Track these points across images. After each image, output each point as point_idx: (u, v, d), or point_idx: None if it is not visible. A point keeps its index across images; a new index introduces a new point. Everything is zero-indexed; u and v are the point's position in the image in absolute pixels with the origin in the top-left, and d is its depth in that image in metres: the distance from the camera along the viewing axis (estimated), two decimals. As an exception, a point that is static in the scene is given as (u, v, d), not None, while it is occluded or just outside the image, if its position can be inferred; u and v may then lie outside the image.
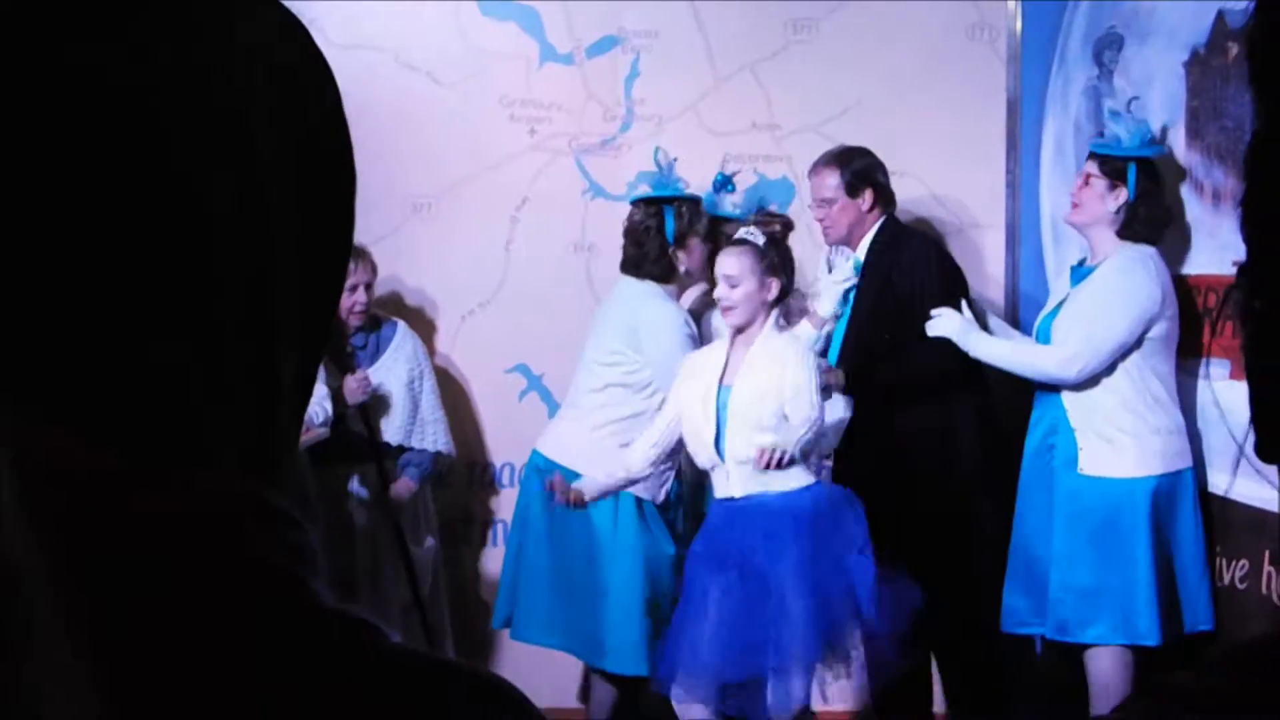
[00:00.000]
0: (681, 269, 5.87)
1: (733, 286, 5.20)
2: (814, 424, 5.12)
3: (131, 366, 0.80)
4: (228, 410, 0.84)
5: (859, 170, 5.93)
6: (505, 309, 6.68)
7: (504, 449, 6.74)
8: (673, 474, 5.79)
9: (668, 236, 5.83)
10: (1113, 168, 5.41)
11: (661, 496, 5.77)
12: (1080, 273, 5.54)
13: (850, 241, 5.92)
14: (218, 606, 0.78)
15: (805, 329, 5.53)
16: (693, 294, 6.03)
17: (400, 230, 6.62)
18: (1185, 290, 5.40)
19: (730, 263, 5.24)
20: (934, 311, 5.50)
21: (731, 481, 5.17)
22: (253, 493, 0.84)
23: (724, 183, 6.05)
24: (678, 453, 5.48)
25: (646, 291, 5.82)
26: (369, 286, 6.10)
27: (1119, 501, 5.31)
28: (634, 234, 5.88)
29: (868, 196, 5.91)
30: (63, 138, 0.79)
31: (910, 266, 5.77)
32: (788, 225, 5.50)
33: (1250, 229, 0.85)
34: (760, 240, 5.26)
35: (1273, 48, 0.83)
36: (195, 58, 0.83)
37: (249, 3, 0.89)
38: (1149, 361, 5.33)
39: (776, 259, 5.26)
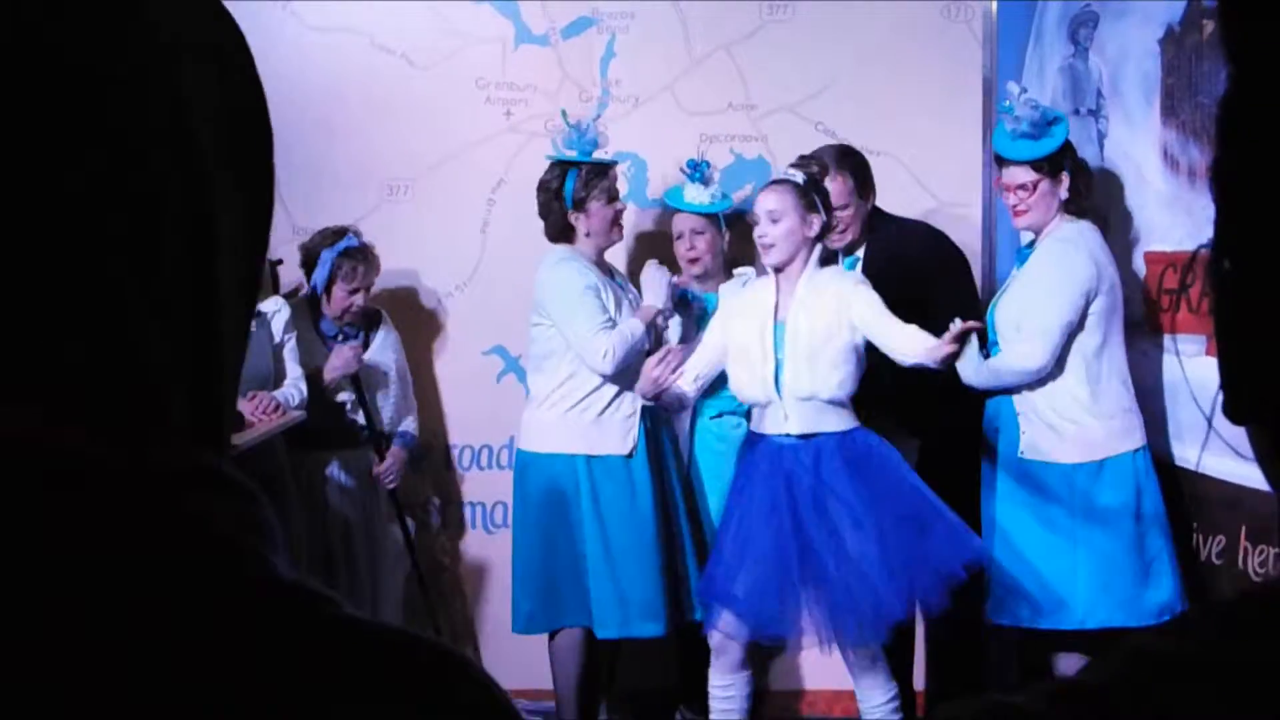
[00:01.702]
0: (582, 231, 5.92)
1: (774, 222, 5.28)
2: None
3: (79, 334, 0.80)
4: (176, 375, 0.84)
5: (863, 171, 5.93)
6: (482, 291, 6.67)
7: (481, 431, 6.73)
8: (639, 422, 5.87)
9: (566, 199, 5.89)
10: (1057, 163, 5.40)
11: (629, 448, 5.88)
12: (1024, 254, 5.56)
13: (856, 240, 5.91)
14: (171, 578, 0.78)
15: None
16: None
17: (376, 212, 6.61)
18: (1160, 266, 5.39)
19: (771, 199, 5.31)
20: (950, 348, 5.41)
21: (789, 420, 5.22)
22: (207, 464, 0.84)
23: (694, 169, 6.06)
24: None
25: (547, 258, 5.94)
26: (369, 289, 6.11)
27: (1059, 486, 5.30)
28: (538, 193, 6.00)
29: (870, 195, 5.94)
30: None
31: (918, 261, 5.79)
32: (824, 167, 5.49)
33: (1219, 191, 0.86)
34: (800, 179, 5.35)
35: (1241, 11, 0.84)
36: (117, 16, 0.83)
37: None
38: (1092, 340, 5.30)
39: (816, 197, 5.35)
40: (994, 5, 6.54)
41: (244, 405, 5.49)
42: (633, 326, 5.78)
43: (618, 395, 5.86)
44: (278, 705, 0.78)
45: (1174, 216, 5.44)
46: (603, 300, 5.80)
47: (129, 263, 0.81)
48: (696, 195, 6.04)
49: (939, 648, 6.02)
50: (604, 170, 5.95)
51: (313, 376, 5.98)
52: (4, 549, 0.76)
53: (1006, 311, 5.43)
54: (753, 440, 5.39)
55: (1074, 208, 5.43)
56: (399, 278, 6.61)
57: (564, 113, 6.09)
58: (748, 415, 5.61)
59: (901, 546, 5.07)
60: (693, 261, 6.08)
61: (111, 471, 0.79)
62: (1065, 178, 5.39)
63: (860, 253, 5.91)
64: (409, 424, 6.34)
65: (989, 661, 5.99)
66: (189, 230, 0.84)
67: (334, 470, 6.13)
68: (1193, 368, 5.39)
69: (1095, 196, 5.50)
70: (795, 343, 5.22)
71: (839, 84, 6.62)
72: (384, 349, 6.25)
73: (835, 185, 5.73)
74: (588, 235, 5.95)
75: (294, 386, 5.87)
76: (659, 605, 5.80)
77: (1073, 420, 5.30)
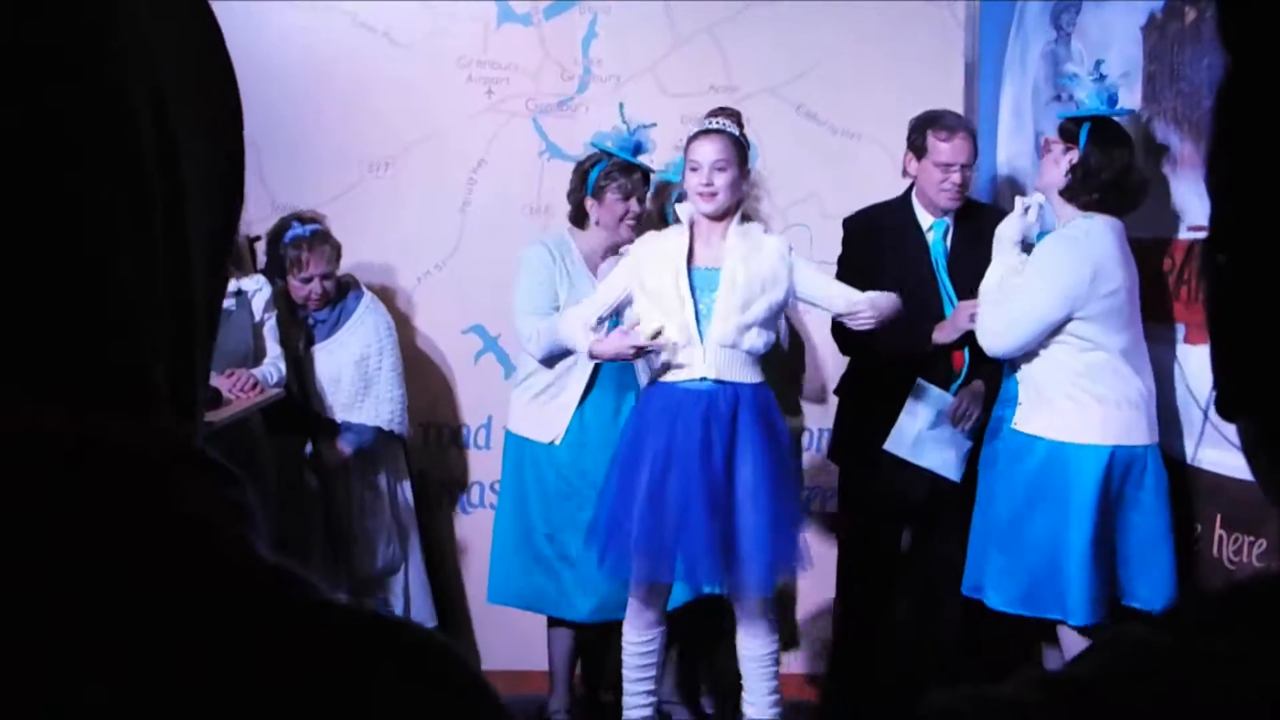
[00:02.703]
0: (593, 219, 6.03)
1: (720, 170, 5.30)
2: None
3: (57, 311, 0.79)
4: (153, 350, 0.83)
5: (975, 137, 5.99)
6: (461, 270, 6.66)
7: (460, 411, 6.73)
8: (573, 413, 6.04)
9: (588, 184, 6.00)
10: (1067, 130, 5.38)
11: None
12: (1040, 237, 5.53)
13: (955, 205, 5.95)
14: (149, 560, 0.77)
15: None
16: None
17: (356, 190, 6.59)
18: (1142, 253, 5.38)
19: (715, 147, 5.33)
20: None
21: (708, 364, 5.24)
22: (186, 445, 0.83)
23: (636, 144, 6.05)
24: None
25: (531, 241, 6.13)
26: (326, 277, 6.05)
27: (1050, 465, 5.26)
28: (572, 174, 6.13)
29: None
30: None
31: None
32: (740, 120, 5.55)
33: (1214, 183, 0.85)
34: (736, 131, 5.42)
35: (1236, 4, 0.83)
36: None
37: None
38: (1093, 332, 5.24)
39: (746, 152, 5.46)
40: (977, -11, 6.53)
41: (222, 382, 5.48)
42: (570, 321, 5.80)
43: (555, 383, 5.99)
44: (258, 689, 0.77)
45: (1155, 203, 5.44)
46: (555, 289, 5.92)
47: (106, 238, 0.80)
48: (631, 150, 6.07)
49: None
50: (631, 169, 5.98)
51: (294, 361, 5.98)
52: None
53: (1008, 290, 5.42)
54: (656, 390, 5.36)
55: (1078, 198, 5.34)
56: (378, 256, 6.59)
57: (621, 106, 6.11)
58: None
59: (783, 508, 5.25)
60: (634, 227, 6.04)
61: (89, 450, 0.78)
62: (1074, 154, 5.33)
63: (949, 221, 5.92)
64: (382, 417, 6.21)
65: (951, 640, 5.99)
66: (162, 204, 0.83)
67: (311, 450, 6.12)
68: (1168, 355, 5.40)
69: (1111, 196, 5.35)
70: (731, 289, 5.24)
71: (821, 67, 6.61)
72: (350, 337, 6.17)
73: (966, 144, 5.84)
74: (597, 224, 6.03)
75: (273, 365, 5.85)
76: (579, 592, 5.97)
77: (1068, 397, 5.27)
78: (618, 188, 5.96)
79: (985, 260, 5.56)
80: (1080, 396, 5.25)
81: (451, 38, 6.66)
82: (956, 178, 5.81)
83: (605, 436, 5.92)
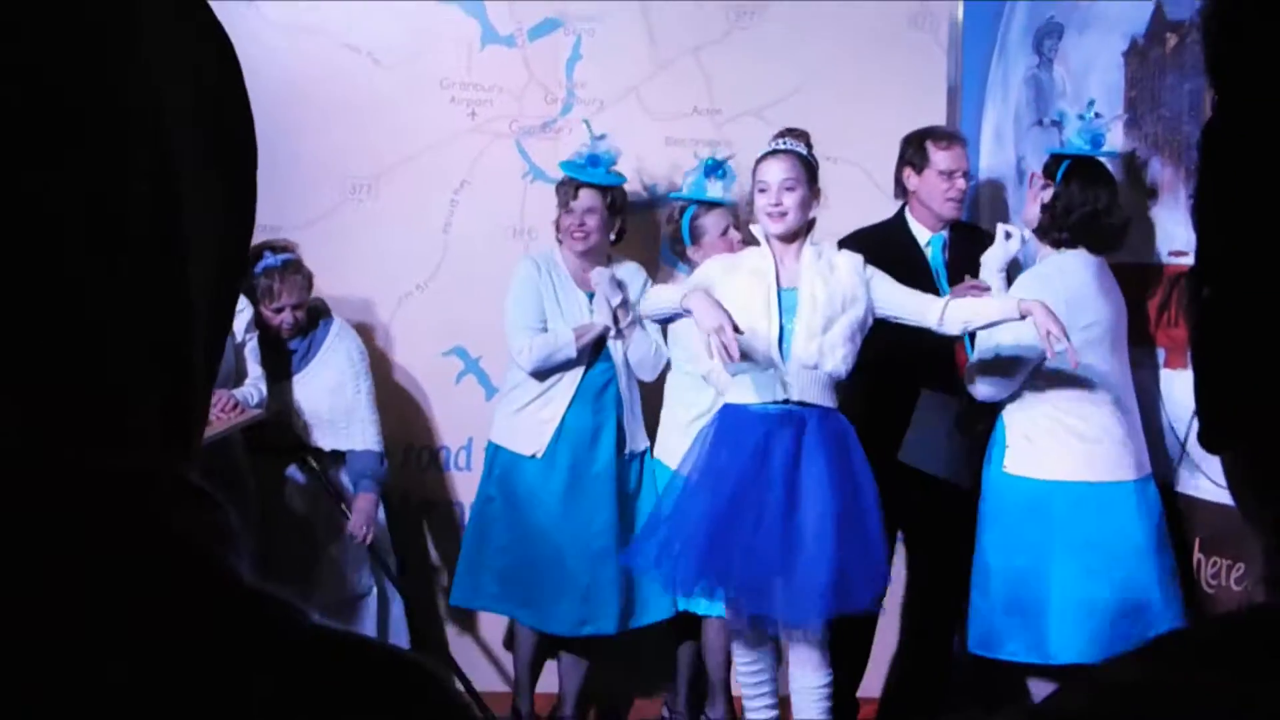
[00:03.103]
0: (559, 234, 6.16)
1: (789, 189, 5.23)
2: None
3: (45, 339, 0.79)
4: (144, 380, 0.83)
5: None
6: (443, 291, 6.65)
7: (441, 432, 6.72)
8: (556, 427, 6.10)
9: (561, 201, 6.14)
10: (1048, 167, 5.40)
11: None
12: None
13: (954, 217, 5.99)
14: (135, 584, 0.77)
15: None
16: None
17: (338, 211, 6.59)
18: (1122, 279, 5.38)
19: (784, 167, 5.26)
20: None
21: (789, 387, 5.14)
22: (172, 470, 0.83)
23: (713, 168, 6.09)
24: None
25: (524, 256, 6.25)
26: (298, 307, 6.02)
27: (1035, 504, 5.23)
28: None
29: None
30: None
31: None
32: (809, 141, 5.48)
33: (1200, 217, 0.86)
34: (804, 150, 5.35)
35: (1225, 37, 0.84)
36: (99, 27, 0.82)
37: None
38: (1067, 372, 5.18)
39: (815, 171, 5.35)
40: (960, 15, 6.55)
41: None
42: (561, 334, 6.01)
43: (540, 397, 6.04)
44: (244, 715, 0.77)
45: (1136, 228, 5.46)
46: (543, 303, 6.03)
47: (94, 268, 0.80)
48: (723, 191, 6.10)
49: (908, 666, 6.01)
50: (573, 183, 6.11)
51: (273, 379, 5.98)
52: None
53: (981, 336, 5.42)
54: (733, 412, 5.26)
55: (1049, 236, 5.35)
56: (360, 277, 6.58)
57: (587, 122, 6.29)
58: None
59: (849, 542, 5.05)
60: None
61: (76, 477, 0.78)
62: (1049, 191, 5.35)
63: (945, 234, 5.94)
64: (359, 440, 6.15)
65: (952, 683, 5.96)
66: (160, 236, 0.83)
67: (293, 472, 6.10)
68: (1149, 380, 5.40)
69: (1090, 239, 5.34)
70: (813, 309, 5.14)
71: (804, 90, 6.62)
72: (322, 368, 6.13)
73: (957, 151, 5.90)
74: (562, 239, 6.18)
75: (254, 386, 5.83)
76: (556, 606, 6.04)
77: (1052, 436, 5.26)
78: (562, 201, 6.12)
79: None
80: (1063, 435, 5.24)
81: (434, 59, 6.66)
82: (961, 184, 5.88)
83: (582, 453, 6.01)
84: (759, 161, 5.34)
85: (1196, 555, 5.21)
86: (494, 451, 6.15)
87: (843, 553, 5.02)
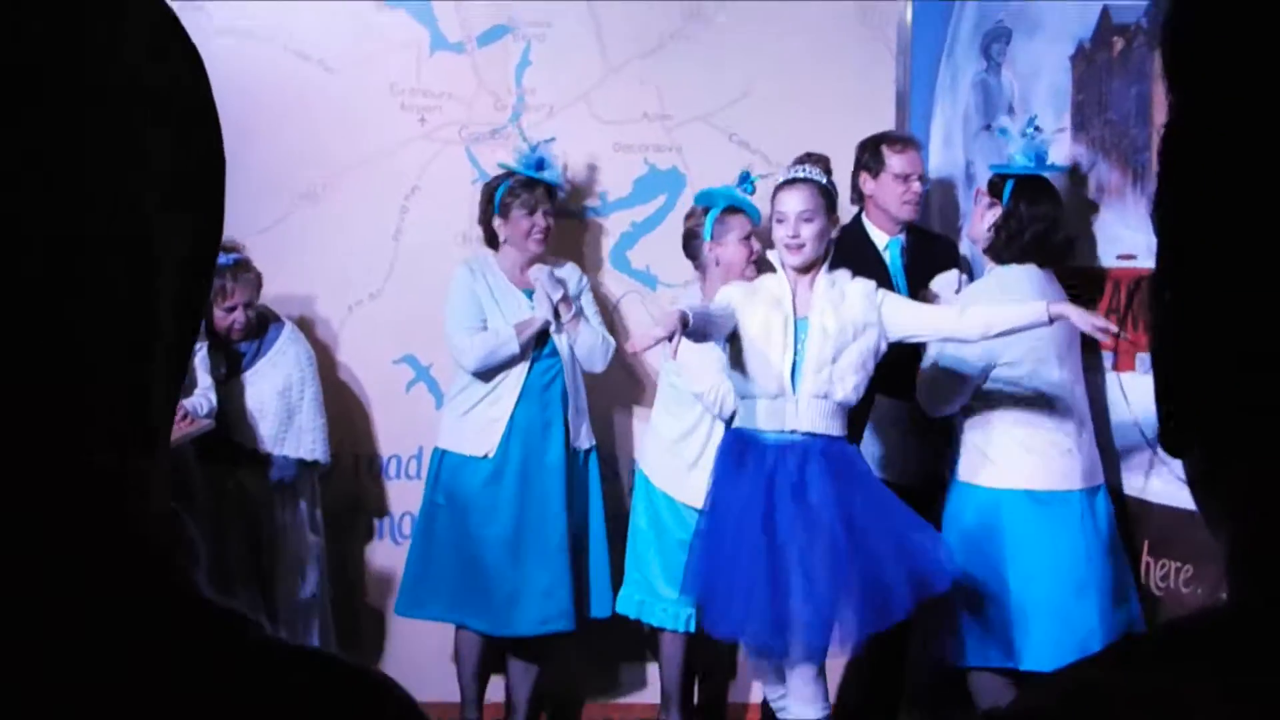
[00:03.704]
0: (502, 238, 6.15)
1: (807, 221, 5.16)
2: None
3: (9, 340, 0.78)
4: (107, 387, 0.83)
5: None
6: (393, 299, 6.63)
7: (391, 440, 6.70)
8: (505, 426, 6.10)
9: (494, 204, 6.12)
10: (993, 185, 5.43)
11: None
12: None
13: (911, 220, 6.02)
14: (93, 593, 0.78)
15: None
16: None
17: (288, 218, 6.56)
18: (1070, 283, 5.41)
19: (801, 198, 5.18)
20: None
21: (800, 416, 5.11)
22: (133, 480, 0.83)
23: (745, 179, 6.03)
24: None
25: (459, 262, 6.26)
26: (249, 305, 6.02)
27: (987, 512, 5.27)
28: (480, 198, 6.26)
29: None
30: None
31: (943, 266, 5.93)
32: (829, 165, 5.45)
33: (1160, 220, 0.86)
34: (823, 179, 5.28)
35: (1182, 43, 0.84)
36: (73, 29, 0.82)
37: None
38: (1021, 375, 5.25)
39: (834, 198, 5.30)
40: (909, 18, 6.56)
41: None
42: (501, 331, 6.04)
43: (486, 397, 6.07)
44: None
45: (1083, 232, 5.49)
46: (481, 305, 6.07)
47: (62, 280, 0.80)
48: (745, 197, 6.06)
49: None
50: (533, 184, 6.09)
51: (223, 387, 5.96)
52: None
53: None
54: (741, 437, 5.25)
55: (997, 253, 5.38)
56: (310, 284, 6.56)
57: (520, 127, 6.30)
58: (729, 419, 5.55)
59: (864, 568, 4.96)
60: (757, 265, 5.91)
61: (38, 485, 0.78)
62: (997, 209, 5.37)
63: (902, 238, 5.97)
64: (304, 448, 6.17)
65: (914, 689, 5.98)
66: (126, 246, 0.83)
67: (241, 481, 6.07)
68: (1100, 383, 5.43)
69: (1038, 255, 5.36)
70: (823, 339, 5.11)
71: (753, 95, 6.63)
72: (271, 369, 6.13)
73: (912, 154, 5.93)
74: (506, 243, 6.14)
75: (203, 395, 5.82)
76: (517, 607, 6.05)
77: (1002, 447, 5.28)
78: (521, 204, 6.07)
79: (939, 271, 5.70)
80: (1012, 446, 5.26)
81: (384, 65, 6.65)
82: (917, 187, 5.91)
83: (533, 449, 6.04)
84: (777, 190, 5.27)
85: (1145, 558, 5.23)
86: (440, 457, 6.15)
87: (860, 576, 4.95)
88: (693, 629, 5.82)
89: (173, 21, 0.91)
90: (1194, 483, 0.88)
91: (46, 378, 0.80)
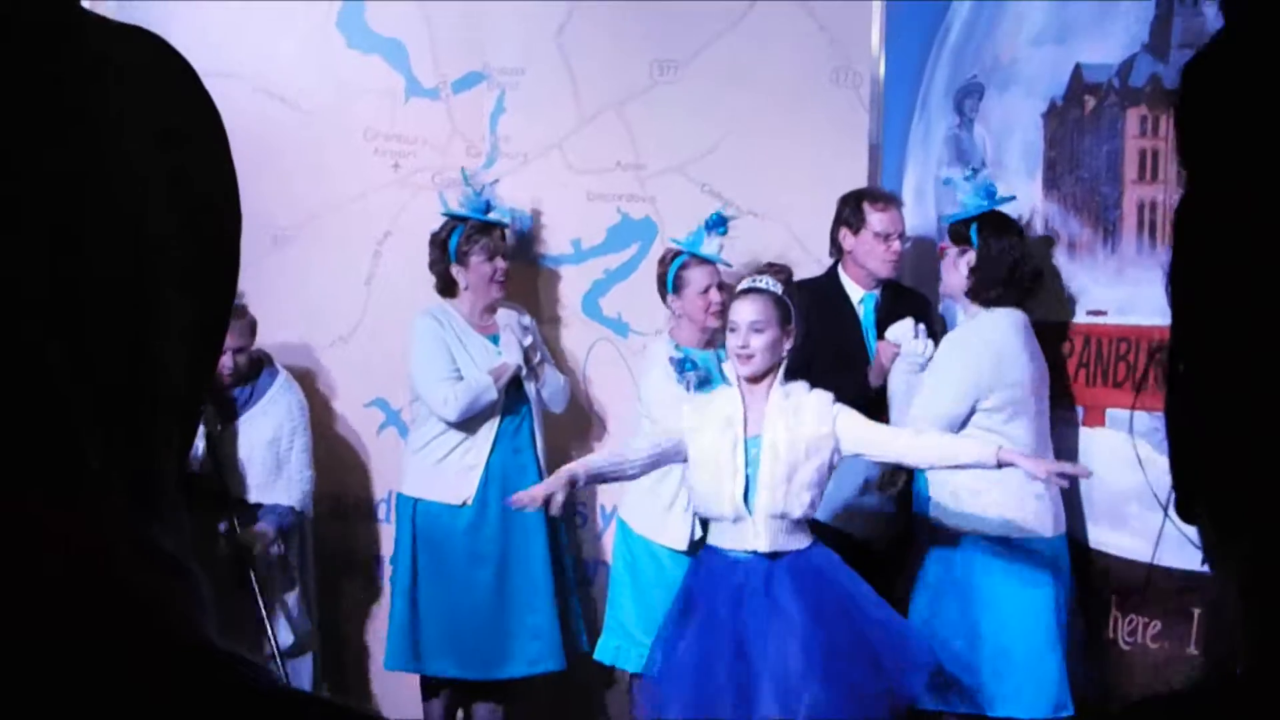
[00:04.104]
0: (462, 285, 6.17)
1: (758, 331, 5.06)
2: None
3: (15, 397, 0.78)
4: (113, 445, 0.82)
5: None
6: (365, 343, 6.63)
7: (361, 483, 6.68)
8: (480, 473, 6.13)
9: (450, 252, 6.12)
10: (957, 233, 5.45)
11: None
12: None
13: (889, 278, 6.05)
14: (99, 645, 0.77)
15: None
16: None
17: (261, 262, 6.53)
18: (1040, 337, 5.42)
19: (753, 308, 5.09)
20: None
21: (759, 538, 5.02)
22: (137, 531, 0.83)
23: (717, 223, 6.01)
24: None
25: (419, 313, 6.20)
26: (240, 350, 5.99)
27: (959, 556, 5.29)
28: (429, 246, 6.25)
29: None
30: None
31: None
32: (790, 277, 5.35)
33: (1175, 294, 0.87)
34: (778, 289, 5.15)
35: (1198, 115, 0.85)
36: (74, 83, 0.82)
37: (128, 36, 0.88)
38: (997, 422, 5.25)
39: (791, 309, 5.15)
40: (882, 73, 6.60)
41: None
42: (479, 379, 6.02)
43: (460, 445, 6.07)
44: None
45: (1054, 287, 5.51)
46: (452, 354, 6.06)
47: (62, 340, 0.80)
48: (718, 249, 6.03)
49: None
50: (488, 229, 6.12)
51: (210, 438, 5.93)
52: None
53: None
54: (710, 554, 5.19)
55: (979, 296, 5.40)
56: (281, 327, 6.53)
57: (464, 172, 6.28)
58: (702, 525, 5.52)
59: (835, 677, 4.90)
60: (719, 315, 5.83)
61: (41, 541, 0.78)
62: (970, 255, 5.39)
63: (877, 294, 5.99)
64: (293, 497, 6.15)
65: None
66: (133, 310, 0.83)
67: (224, 528, 6.03)
68: (1067, 438, 5.45)
69: (1011, 288, 5.42)
70: (774, 459, 5.02)
71: (727, 146, 6.65)
72: (262, 417, 6.10)
73: (894, 213, 5.94)
74: (466, 289, 6.16)
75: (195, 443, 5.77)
76: (507, 649, 6.09)
77: (972, 490, 5.28)
78: (480, 249, 6.11)
79: None
80: (988, 491, 5.27)
81: (359, 110, 6.67)
82: (897, 245, 5.92)
83: (512, 493, 5.95)
84: (734, 298, 5.22)
85: (1114, 612, 5.24)
86: (413, 506, 6.12)
87: (838, 683, 4.89)
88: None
89: (189, 75, 0.91)
90: (1207, 546, 0.88)
91: (48, 438, 0.79)
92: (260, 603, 5.91)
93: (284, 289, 6.52)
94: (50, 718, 0.74)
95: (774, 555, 5.03)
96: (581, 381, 6.67)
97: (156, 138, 0.86)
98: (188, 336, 0.88)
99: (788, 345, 5.12)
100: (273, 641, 5.93)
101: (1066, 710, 5.18)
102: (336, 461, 6.66)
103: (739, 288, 5.23)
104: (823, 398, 5.11)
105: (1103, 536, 5.30)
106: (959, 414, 5.26)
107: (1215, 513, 0.86)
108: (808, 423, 5.04)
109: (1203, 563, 0.89)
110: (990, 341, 5.28)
